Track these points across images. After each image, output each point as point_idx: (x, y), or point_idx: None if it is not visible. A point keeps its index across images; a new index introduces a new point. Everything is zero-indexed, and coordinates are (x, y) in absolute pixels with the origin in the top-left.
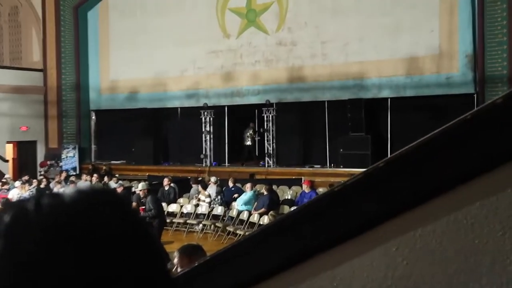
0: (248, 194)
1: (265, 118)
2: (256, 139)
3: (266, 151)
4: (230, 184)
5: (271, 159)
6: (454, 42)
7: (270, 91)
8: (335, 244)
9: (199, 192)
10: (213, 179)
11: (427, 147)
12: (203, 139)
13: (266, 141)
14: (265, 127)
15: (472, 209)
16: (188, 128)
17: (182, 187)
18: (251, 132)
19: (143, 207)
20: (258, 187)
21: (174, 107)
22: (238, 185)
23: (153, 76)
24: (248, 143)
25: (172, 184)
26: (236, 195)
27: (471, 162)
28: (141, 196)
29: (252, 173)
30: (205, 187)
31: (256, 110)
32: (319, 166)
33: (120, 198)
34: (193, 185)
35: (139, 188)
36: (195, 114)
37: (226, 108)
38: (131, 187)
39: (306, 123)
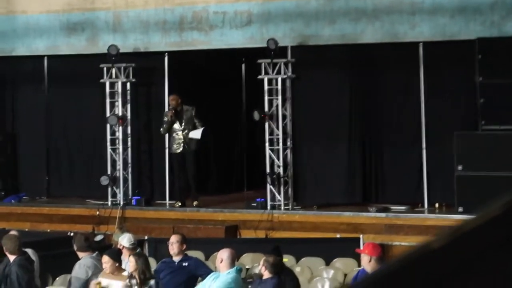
0: (222, 277)
1: (266, 88)
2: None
3: (271, 170)
4: (175, 250)
5: (284, 190)
6: None
7: (276, 17)
8: None
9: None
10: (127, 238)
11: None
12: (107, 138)
13: (268, 145)
14: (268, 110)
15: None
16: (67, 110)
17: (53, 258)
18: None
19: None
20: (246, 258)
21: (34, 57)
22: (195, 253)
23: None
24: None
25: (30, 252)
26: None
27: None
28: None
29: (232, 224)
30: (113, 256)
31: (243, 67)
32: (402, 207)
33: None
34: (82, 255)
35: None
36: (88, 75)
37: (166, 59)
38: None
39: (369, 100)
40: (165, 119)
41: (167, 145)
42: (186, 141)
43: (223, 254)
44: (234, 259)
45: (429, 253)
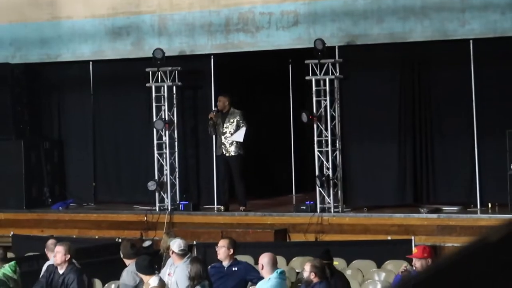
0: (267, 282)
1: (314, 89)
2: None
3: (320, 172)
4: (223, 255)
5: (333, 192)
6: None
7: (323, 16)
8: None
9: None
10: (177, 243)
11: None
12: (154, 143)
13: (317, 147)
14: (317, 112)
15: None
16: (114, 115)
17: (102, 265)
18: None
19: None
20: (296, 262)
21: (79, 62)
22: (245, 258)
23: None
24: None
25: (74, 262)
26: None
27: None
28: None
29: (281, 228)
30: (156, 264)
31: (290, 68)
32: (455, 207)
33: None
34: (129, 262)
35: None
36: (133, 80)
37: (212, 62)
38: None
39: (424, 98)
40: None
41: (214, 149)
42: (228, 144)
43: (263, 260)
44: (275, 263)
45: (487, 246)
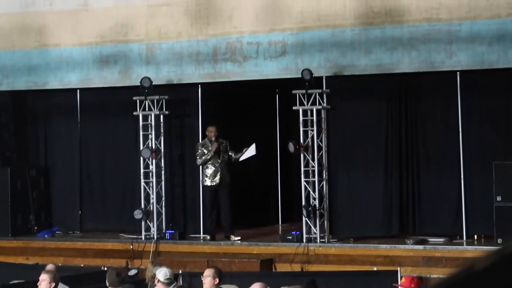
0: None
1: (301, 119)
2: None
3: (306, 202)
4: (209, 285)
5: (320, 223)
6: None
7: (311, 47)
8: None
9: None
10: (163, 272)
11: None
12: (141, 171)
13: (304, 177)
14: (303, 142)
15: None
16: (100, 143)
17: None
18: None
19: None
20: None
21: (66, 90)
22: None
23: (17, 11)
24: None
25: None
26: None
27: None
28: None
29: (267, 258)
30: None
31: (277, 98)
32: (441, 239)
33: None
34: None
35: None
36: (120, 108)
37: (199, 91)
38: None
39: (411, 128)
40: (205, 151)
41: (201, 178)
42: (223, 173)
43: None
44: None
45: (473, 275)
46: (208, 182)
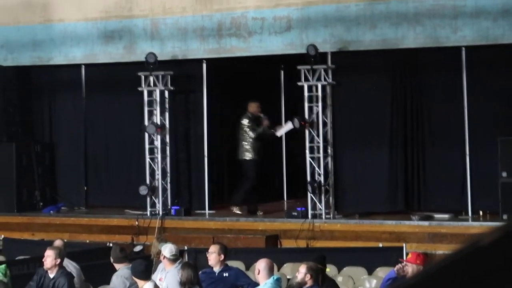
0: (263, 287)
1: (306, 95)
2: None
3: (311, 178)
4: (214, 261)
5: (325, 199)
6: None
7: (316, 22)
8: None
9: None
10: (168, 248)
11: None
12: (146, 147)
13: (309, 153)
14: (309, 117)
15: None
16: (105, 119)
17: (93, 269)
18: (245, 128)
19: None
20: (287, 268)
21: (71, 65)
22: (236, 263)
23: None
24: (242, 156)
25: (70, 264)
26: None
27: None
28: None
29: (272, 234)
30: (147, 269)
31: (282, 74)
32: (446, 215)
33: None
34: (119, 267)
35: None
36: (125, 84)
37: (204, 66)
38: None
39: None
40: (260, 127)
41: (205, 154)
42: (260, 147)
43: (260, 265)
44: (272, 269)
45: (479, 250)
46: (251, 156)
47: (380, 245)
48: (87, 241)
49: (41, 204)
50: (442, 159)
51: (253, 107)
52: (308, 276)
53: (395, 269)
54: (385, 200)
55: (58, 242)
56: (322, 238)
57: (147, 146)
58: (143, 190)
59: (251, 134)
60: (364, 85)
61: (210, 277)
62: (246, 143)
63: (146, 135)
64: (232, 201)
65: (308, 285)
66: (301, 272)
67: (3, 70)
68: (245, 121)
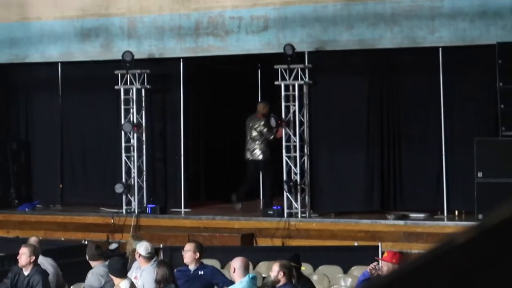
0: (238, 285)
1: (283, 94)
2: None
3: (288, 177)
4: (189, 259)
5: (301, 198)
6: None
7: (293, 22)
8: None
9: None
10: (144, 246)
11: None
12: (122, 145)
13: (285, 152)
14: (285, 116)
15: None
16: (82, 117)
17: (68, 267)
18: (260, 129)
19: None
20: (262, 267)
21: (48, 63)
22: (212, 262)
23: None
24: (256, 156)
25: (46, 262)
26: None
27: None
28: None
29: (248, 232)
30: (124, 267)
31: (259, 73)
32: (421, 214)
33: None
34: (94, 264)
35: None
36: (102, 82)
37: (181, 66)
38: None
39: (388, 103)
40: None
41: (182, 153)
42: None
43: (235, 263)
44: (247, 267)
45: (454, 248)
46: (261, 156)
47: (356, 244)
48: (63, 239)
49: (16, 201)
50: (418, 159)
51: (265, 107)
52: (281, 273)
53: (368, 269)
54: (361, 199)
55: (33, 240)
56: (297, 236)
57: (123, 144)
58: (118, 188)
59: (269, 135)
60: (340, 85)
61: (185, 275)
62: (261, 144)
63: (123, 133)
64: (263, 204)
65: (281, 282)
66: (274, 270)
67: None
68: (261, 123)
